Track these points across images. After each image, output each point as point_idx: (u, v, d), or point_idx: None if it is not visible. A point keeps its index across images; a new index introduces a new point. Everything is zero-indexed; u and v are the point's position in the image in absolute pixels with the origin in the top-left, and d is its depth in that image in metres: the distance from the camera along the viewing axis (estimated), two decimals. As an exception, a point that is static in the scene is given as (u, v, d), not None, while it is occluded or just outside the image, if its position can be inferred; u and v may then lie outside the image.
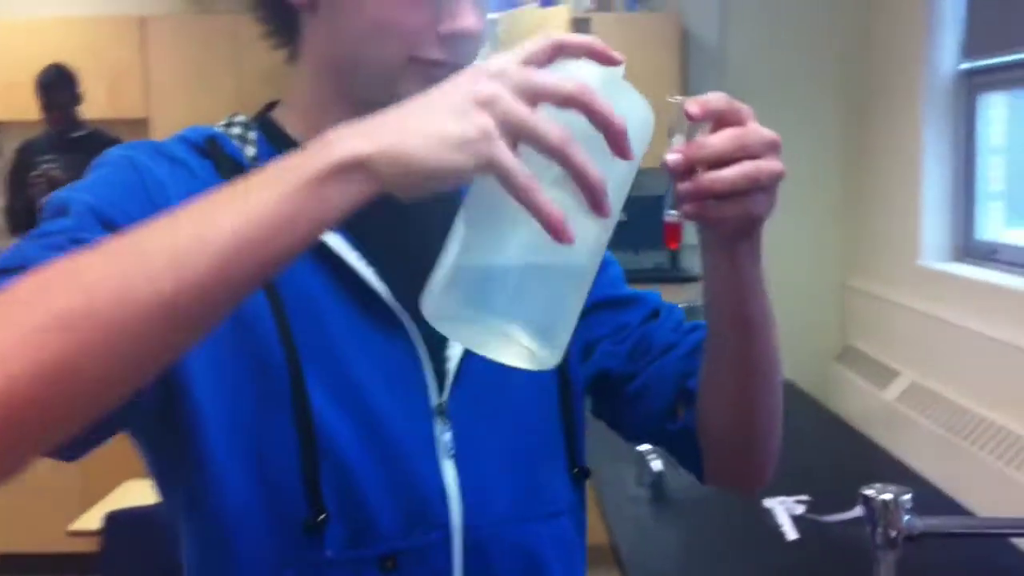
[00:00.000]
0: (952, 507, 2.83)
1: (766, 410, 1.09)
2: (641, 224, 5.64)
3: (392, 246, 1.02)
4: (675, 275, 5.28)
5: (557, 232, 0.71)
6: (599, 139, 0.75)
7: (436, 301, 0.78)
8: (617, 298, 1.20)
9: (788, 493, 2.70)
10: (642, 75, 4.41)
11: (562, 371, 1.11)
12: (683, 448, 1.16)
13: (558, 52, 0.78)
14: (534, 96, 0.72)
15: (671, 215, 0.91)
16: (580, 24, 5.30)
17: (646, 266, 5.33)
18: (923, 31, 4.41)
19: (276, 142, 1.05)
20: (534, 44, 0.77)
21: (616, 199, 0.78)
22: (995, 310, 3.78)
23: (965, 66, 4.31)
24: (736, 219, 0.89)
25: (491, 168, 0.71)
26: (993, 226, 4.33)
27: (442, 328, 0.79)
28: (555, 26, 5.22)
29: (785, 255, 5.38)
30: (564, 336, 0.80)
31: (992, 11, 4.09)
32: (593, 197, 0.73)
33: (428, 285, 0.78)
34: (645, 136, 0.82)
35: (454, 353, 1.02)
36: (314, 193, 0.69)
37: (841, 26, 5.29)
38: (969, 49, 4.28)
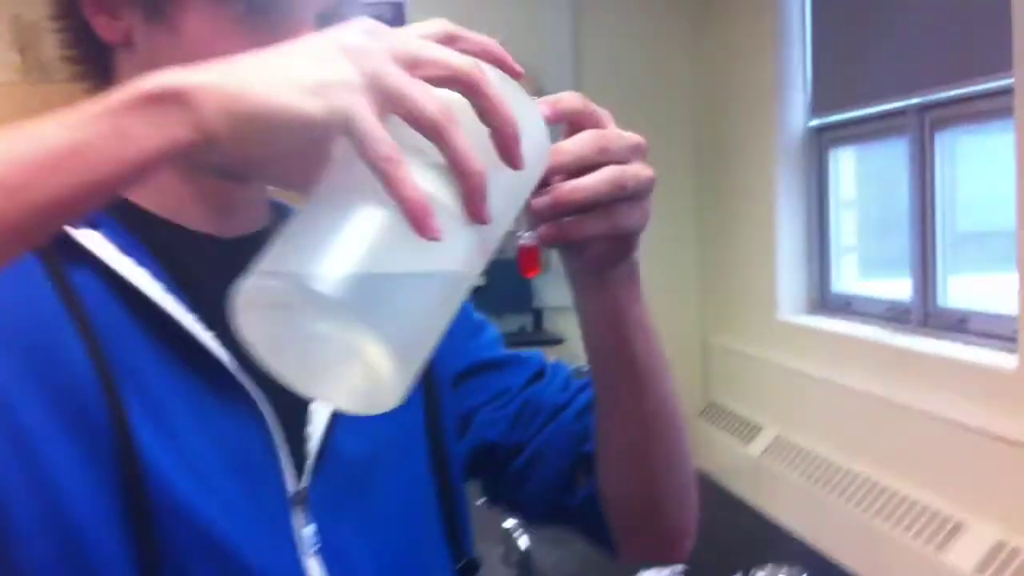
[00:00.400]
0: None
1: (669, 469, 0.96)
2: (503, 286, 5.65)
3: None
4: (539, 338, 5.22)
5: (418, 218, 0.57)
6: (486, 140, 0.63)
7: (250, 292, 0.59)
8: (495, 360, 1.05)
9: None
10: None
11: (436, 449, 0.96)
12: (588, 521, 1.01)
13: (450, 43, 0.66)
14: (414, 62, 0.61)
15: (525, 237, 0.79)
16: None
17: (510, 329, 5.26)
18: (773, 90, 4.52)
19: None
20: (424, 25, 0.66)
21: (499, 212, 0.64)
22: (853, 360, 3.83)
23: (815, 123, 4.42)
24: (603, 237, 0.78)
25: (346, 125, 0.58)
26: (847, 278, 4.42)
27: (252, 339, 0.62)
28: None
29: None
30: (415, 365, 0.62)
31: (838, 68, 4.22)
32: (470, 192, 0.61)
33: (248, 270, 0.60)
34: (539, 161, 0.71)
35: (315, 430, 0.85)
36: (112, 124, 0.57)
37: (693, 86, 5.37)
38: (818, 106, 4.40)
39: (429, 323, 0.63)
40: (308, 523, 0.84)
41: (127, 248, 0.80)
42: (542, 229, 0.77)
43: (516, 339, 5.00)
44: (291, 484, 0.84)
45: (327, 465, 0.86)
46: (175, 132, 0.57)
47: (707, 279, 5.39)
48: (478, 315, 1.08)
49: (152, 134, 0.57)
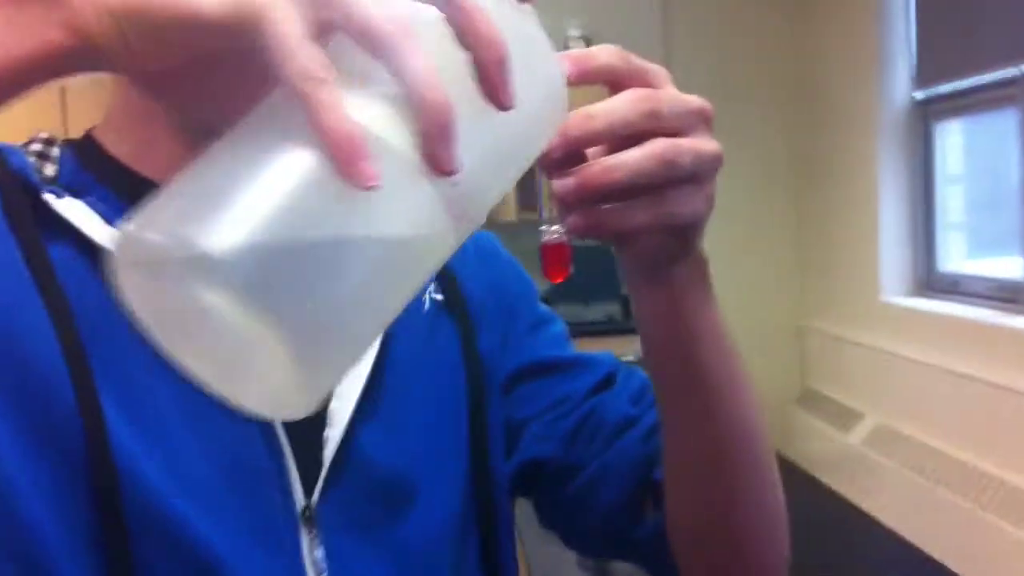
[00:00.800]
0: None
1: (748, 501, 0.80)
2: (589, 272, 5.51)
3: None
4: (628, 326, 5.05)
5: (345, 157, 0.43)
6: (466, 72, 0.49)
7: (126, 245, 0.46)
8: (556, 361, 0.91)
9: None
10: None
11: (479, 465, 0.83)
12: (656, 559, 0.86)
13: None
14: None
15: (551, 232, 0.66)
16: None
17: (596, 318, 5.13)
18: (875, 61, 4.34)
19: (92, 162, 0.79)
20: None
21: (478, 166, 0.49)
22: (960, 344, 3.67)
23: (919, 95, 4.23)
24: (652, 229, 0.62)
25: (255, 30, 0.45)
26: (954, 257, 4.25)
27: (133, 305, 0.48)
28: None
29: (738, 297, 5.24)
30: (334, 366, 0.49)
31: (944, 36, 4.02)
32: (428, 128, 0.46)
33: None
34: (549, 114, 0.56)
35: (333, 435, 0.74)
36: None
37: (789, 59, 5.20)
38: (922, 77, 4.21)
39: (360, 309, 0.47)
40: (316, 546, 0.74)
41: (117, 219, 0.70)
42: (571, 220, 0.60)
43: (603, 328, 4.86)
44: (300, 499, 0.74)
45: (345, 478, 0.76)
46: (48, 34, 0.48)
47: (805, 260, 5.23)
48: (543, 307, 0.96)
49: (22, 38, 0.47)
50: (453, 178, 0.48)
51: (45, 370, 0.66)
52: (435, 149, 0.46)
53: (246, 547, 0.70)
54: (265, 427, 0.73)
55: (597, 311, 5.11)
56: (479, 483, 0.84)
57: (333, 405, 0.75)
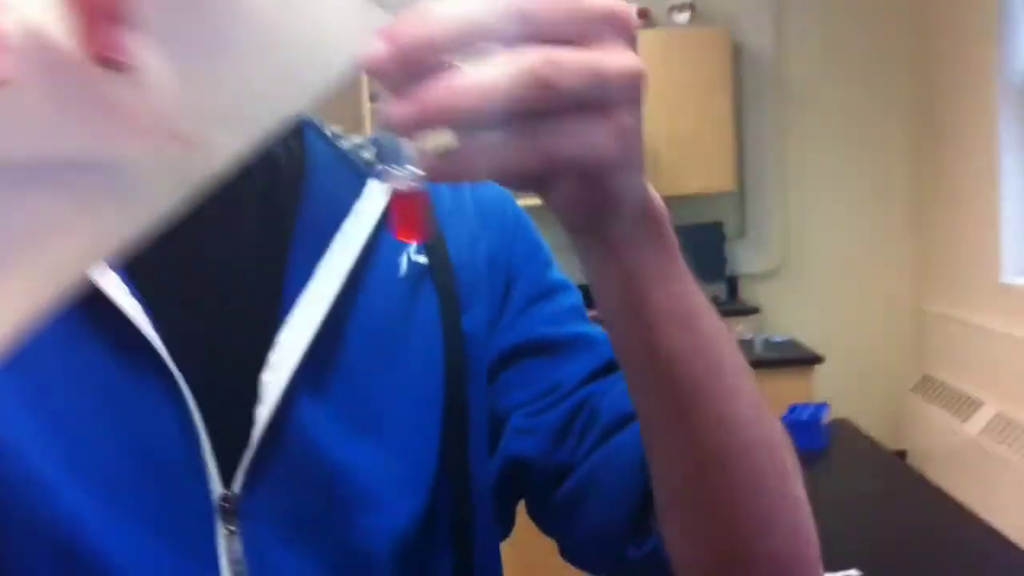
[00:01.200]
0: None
1: (749, 527, 0.63)
2: (691, 249, 5.37)
3: (171, 277, 0.68)
4: (733, 308, 4.94)
5: None
6: None
7: None
8: (549, 341, 0.75)
9: (835, 567, 1.97)
10: (692, 92, 4.08)
11: (453, 466, 0.71)
12: None
13: None
14: None
15: (395, 176, 0.47)
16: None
17: (702, 297, 5.00)
18: (994, 32, 4.14)
19: None
20: None
21: (208, 80, 0.41)
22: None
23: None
24: (531, 173, 0.46)
25: None
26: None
27: None
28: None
29: (853, 280, 5.06)
30: None
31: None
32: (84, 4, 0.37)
33: None
34: (344, 43, 0.44)
35: (263, 412, 0.65)
36: None
37: (905, 30, 4.99)
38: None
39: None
40: (237, 541, 0.65)
41: None
42: (426, 161, 0.44)
43: (709, 308, 4.73)
44: (217, 487, 0.64)
45: (276, 464, 0.65)
46: None
47: (923, 240, 5.05)
48: (556, 275, 0.80)
49: None
50: (130, 75, 0.38)
51: None
52: (90, 25, 0.36)
53: (146, 544, 0.62)
54: (179, 405, 0.64)
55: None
56: (453, 483, 0.71)
57: (265, 376, 0.65)
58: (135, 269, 0.64)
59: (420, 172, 0.45)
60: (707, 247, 4.95)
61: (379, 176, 0.44)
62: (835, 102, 5.06)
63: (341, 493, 0.67)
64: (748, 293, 5.15)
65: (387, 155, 0.44)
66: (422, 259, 0.73)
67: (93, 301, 0.62)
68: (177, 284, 0.67)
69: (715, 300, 5.25)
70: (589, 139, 0.45)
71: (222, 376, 0.64)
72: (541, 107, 0.43)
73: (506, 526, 0.78)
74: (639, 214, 0.53)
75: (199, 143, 0.41)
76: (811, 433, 2.81)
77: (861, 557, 2.07)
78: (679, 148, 4.93)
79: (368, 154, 0.73)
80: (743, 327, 4.56)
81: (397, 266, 0.72)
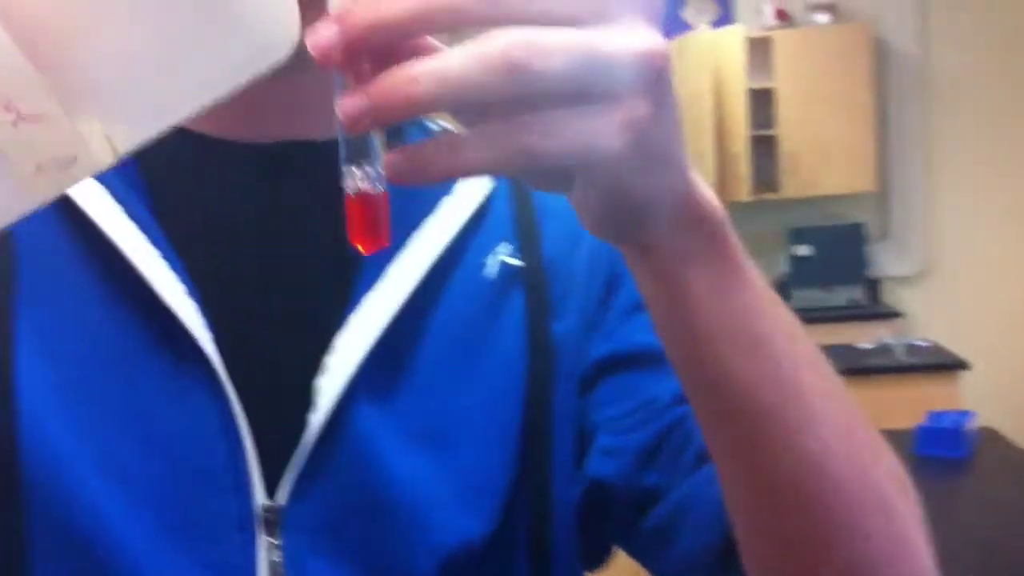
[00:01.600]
0: None
1: (841, 563, 0.55)
2: (831, 251, 5.25)
3: (229, 273, 0.64)
4: (873, 311, 4.79)
5: None
6: None
7: None
8: (648, 352, 0.67)
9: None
10: (833, 91, 3.98)
11: (533, 478, 0.66)
12: None
13: None
14: None
15: (355, 176, 0.41)
16: (759, 44, 4.97)
17: (838, 303, 4.85)
18: None
19: None
20: None
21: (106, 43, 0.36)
22: None
23: None
24: (513, 173, 0.43)
25: None
26: None
27: None
28: (731, 47, 4.90)
29: (1001, 285, 4.87)
30: None
31: None
32: None
33: None
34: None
35: (316, 419, 0.60)
36: None
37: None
38: None
39: None
40: (279, 556, 0.60)
41: None
42: (387, 157, 0.40)
43: (844, 313, 4.60)
44: (260, 497, 0.60)
45: (327, 475, 0.60)
46: None
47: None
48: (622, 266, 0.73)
49: None
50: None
51: None
52: None
53: (174, 552, 0.58)
54: (222, 405, 0.59)
55: (839, 295, 4.84)
56: (531, 505, 0.65)
57: (320, 381, 0.60)
58: (191, 260, 0.60)
59: (381, 171, 0.40)
60: (847, 248, 4.82)
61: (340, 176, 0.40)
62: (984, 101, 4.87)
63: (393, 508, 0.61)
64: (890, 296, 5.00)
65: (351, 151, 0.40)
66: (515, 261, 0.67)
67: (137, 290, 0.59)
68: (236, 279, 0.62)
69: (852, 303, 5.11)
70: (584, 134, 0.38)
71: (273, 379, 0.60)
72: (521, 97, 0.37)
73: (597, 557, 0.71)
74: (680, 219, 0.46)
75: (50, 121, 0.36)
76: (953, 441, 2.71)
77: (1004, 570, 1.98)
78: (819, 148, 4.83)
79: (440, 127, 0.68)
80: (884, 331, 4.42)
81: (483, 267, 0.67)
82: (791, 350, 0.50)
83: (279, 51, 0.38)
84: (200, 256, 0.60)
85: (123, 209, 0.59)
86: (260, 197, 0.63)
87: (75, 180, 0.37)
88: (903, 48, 5.06)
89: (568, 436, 0.67)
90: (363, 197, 0.40)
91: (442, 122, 0.66)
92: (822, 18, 5.03)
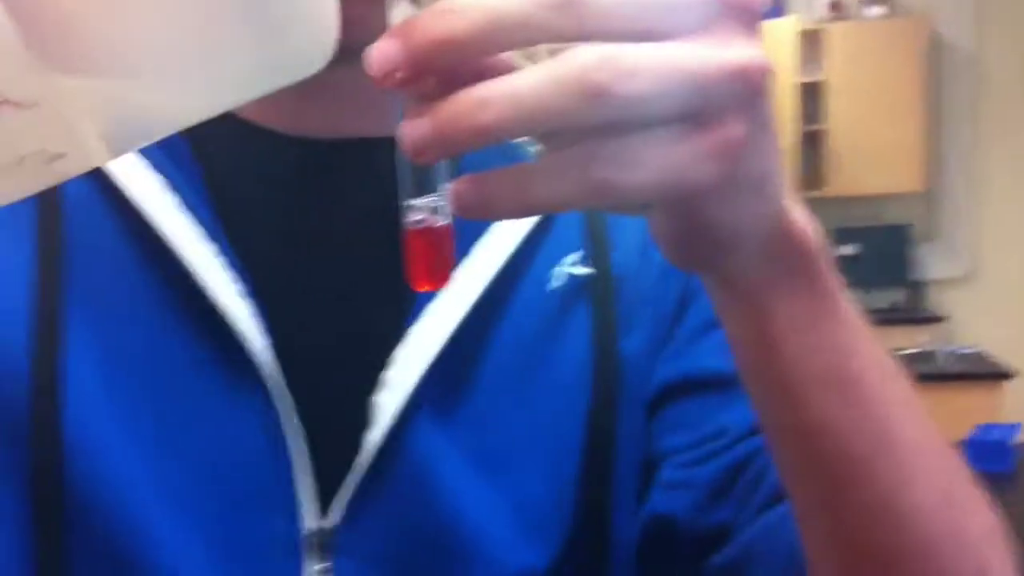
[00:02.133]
0: None
1: None
2: (872, 253, 5.17)
3: (285, 277, 0.60)
4: (914, 315, 4.70)
5: None
6: None
7: None
8: (719, 377, 0.63)
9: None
10: (884, 87, 3.89)
11: (592, 508, 0.61)
12: None
13: None
14: None
15: (420, 208, 0.38)
16: (811, 36, 4.88)
17: (880, 306, 4.77)
18: None
19: None
20: None
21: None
22: None
23: None
24: (588, 205, 0.38)
25: None
26: None
27: None
28: (783, 40, 4.81)
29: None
30: None
31: None
32: None
33: None
34: None
35: (373, 438, 0.57)
36: None
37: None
38: None
39: None
40: None
41: (148, 147, 0.56)
42: (452, 187, 0.36)
43: (885, 317, 4.51)
44: (312, 519, 0.57)
45: (382, 497, 0.57)
46: None
47: None
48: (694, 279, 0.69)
49: None
50: None
51: (4, 315, 0.55)
52: None
53: (217, 574, 0.55)
54: (273, 420, 0.56)
55: (880, 298, 4.75)
56: (589, 537, 0.61)
57: (379, 397, 0.57)
58: (246, 260, 0.57)
59: (446, 203, 0.36)
60: (890, 250, 4.74)
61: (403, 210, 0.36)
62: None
63: (451, 535, 0.58)
64: (934, 300, 4.91)
65: (412, 180, 0.36)
66: (582, 271, 0.63)
67: (190, 290, 0.56)
68: (292, 284, 0.59)
69: (893, 308, 5.04)
70: (672, 163, 0.34)
71: (329, 392, 0.57)
72: (603, 121, 0.33)
73: None
74: (769, 246, 0.42)
75: (41, 112, 0.32)
76: (998, 455, 2.65)
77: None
78: (868, 145, 4.74)
79: (534, 148, 0.64)
80: (927, 337, 4.33)
81: (549, 277, 0.63)
82: (885, 394, 0.46)
83: (308, 67, 0.35)
84: (257, 259, 0.58)
85: (179, 201, 0.56)
86: (317, 195, 0.60)
87: (59, 177, 0.34)
88: (957, 43, 4.96)
89: (632, 466, 0.63)
90: (425, 231, 0.37)
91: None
92: (876, 11, 4.93)
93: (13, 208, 0.54)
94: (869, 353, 0.46)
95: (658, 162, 0.34)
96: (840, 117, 4.84)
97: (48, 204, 0.57)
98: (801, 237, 0.43)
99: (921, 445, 0.48)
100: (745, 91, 0.35)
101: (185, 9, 0.33)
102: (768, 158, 0.38)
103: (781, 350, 0.44)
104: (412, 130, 0.33)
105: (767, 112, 0.37)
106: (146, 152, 0.57)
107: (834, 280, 0.45)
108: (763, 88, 0.36)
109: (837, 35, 4.89)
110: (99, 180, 0.57)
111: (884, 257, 4.39)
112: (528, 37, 0.33)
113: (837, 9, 4.98)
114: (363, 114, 0.60)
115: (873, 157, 4.76)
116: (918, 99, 4.75)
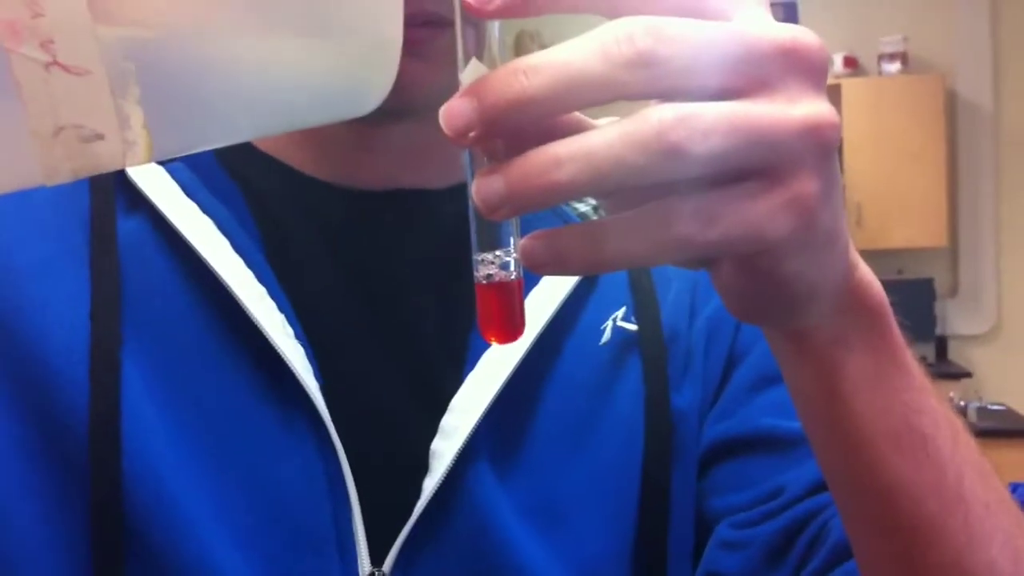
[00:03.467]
0: None
1: None
2: (901, 312, 5.09)
3: (339, 323, 0.60)
4: (941, 370, 4.64)
5: None
6: None
7: None
8: (775, 436, 0.62)
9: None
10: (903, 142, 3.87)
11: (649, 567, 0.60)
12: None
13: None
14: None
15: (490, 262, 0.38)
16: (828, 91, 4.88)
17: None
18: None
19: None
20: None
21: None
22: None
23: None
24: (663, 261, 0.37)
25: None
26: None
27: None
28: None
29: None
30: None
31: None
32: None
33: None
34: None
35: (429, 484, 0.57)
36: None
37: None
38: None
39: None
40: None
41: (199, 190, 0.58)
42: (522, 243, 0.36)
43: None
44: (366, 564, 0.56)
45: (437, 547, 0.56)
46: None
47: None
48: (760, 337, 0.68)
49: None
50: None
51: (57, 354, 0.55)
52: None
53: None
54: (331, 466, 0.56)
55: (907, 354, 4.72)
56: None
57: (435, 444, 0.57)
58: (300, 305, 0.58)
59: (518, 258, 0.36)
60: (916, 304, 4.70)
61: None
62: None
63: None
64: (960, 355, 4.85)
65: (484, 235, 0.36)
66: (630, 326, 0.63)
67: (245, 328, 0.56)
68: (350, 335, 0.59)
69: (923, 361, 5.04)
70: (747, 219, 0.34)
71: (385, 438, 0.57)
72: (675, 179, 0.33)
73: None
74: (840, 301, 0.42)
75: (90, 82, 0.30)
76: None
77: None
78: (888, 200, 4.72)
79: (584, 206, 0.64)
80: (953, 392, 4.28)
81: (600, 332, 0.63)
82: (955, 453, 0.46)
83: (363, 106, 0.35)
84: (309, 303, 0.58)
85: (231, 245, 0.57)
86: (370, 244, 0.61)
87: (94, 165, 0.32)
88: (975, 100, 4.95)
89: (686, 523, 0.63)
90: (498, 286, 0.37)
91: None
92: (893, 67, 4.93)
93: (69, 246, 0.56)
94: (937, 412, 0.45)
95: (735, 217, 0.34)
96: (858, 172, 4.83)
97: (103, 242, 0.57)
98: (869, 292, 0.43)
99: (991, 503, 0.47)
100: (817, 146, 0.35)
101: (258, 21, 0.33)
102: (838, 213, 0.38)
103: (852, 406, 0.44)
104: (485, 187, 0.33)
105: (836, 168, 0.37)
106: (198, 195, 0.58)
107: (900, 336, 0.45)
108: (834, 143, 0.36)
109: (854, 90, 4.89)
110: (152, 219, 0.57)
111: (908, 312, 4.35)
112: (601, 96, 0.33)
113: (853, 65, 4.99)
114: (415, 168, 0.60)
115: (894, 212, 4.74)
116: (938, 155, 4.73)
